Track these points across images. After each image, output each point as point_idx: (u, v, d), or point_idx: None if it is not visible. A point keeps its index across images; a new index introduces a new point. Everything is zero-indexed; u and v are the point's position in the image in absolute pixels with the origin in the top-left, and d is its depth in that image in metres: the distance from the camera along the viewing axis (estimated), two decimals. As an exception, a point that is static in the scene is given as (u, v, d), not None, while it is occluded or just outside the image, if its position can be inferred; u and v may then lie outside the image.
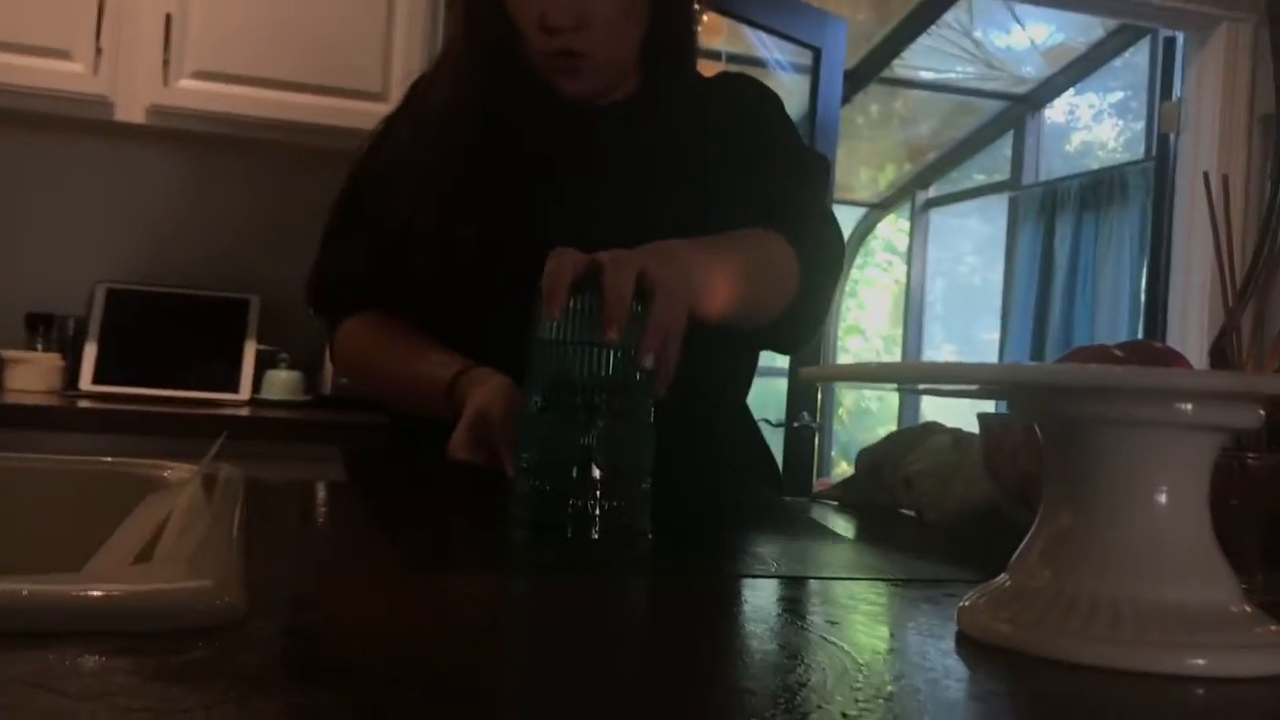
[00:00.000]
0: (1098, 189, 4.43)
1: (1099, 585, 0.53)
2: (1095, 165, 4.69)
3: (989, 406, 1.22)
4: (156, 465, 0.91)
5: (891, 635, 0.59)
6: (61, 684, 0.39)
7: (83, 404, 2.32)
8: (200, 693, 0.39)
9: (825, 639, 0.54)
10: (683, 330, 0.82)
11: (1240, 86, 3.40)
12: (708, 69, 1.34)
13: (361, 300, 1.27)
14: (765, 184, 1.18)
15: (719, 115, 1.24)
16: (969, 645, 0.54)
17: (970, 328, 5.63)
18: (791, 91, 3.31)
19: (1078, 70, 4.80)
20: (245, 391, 2.60)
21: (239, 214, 2.78)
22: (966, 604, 0.57)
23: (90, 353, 2.56)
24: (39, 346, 2.55)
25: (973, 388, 0.65)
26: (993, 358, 4.96)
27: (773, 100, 1.29)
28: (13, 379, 2.47)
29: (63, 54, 2.36)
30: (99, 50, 2.37)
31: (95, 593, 0.48)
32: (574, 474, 0.77)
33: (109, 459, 0.95)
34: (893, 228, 5.98)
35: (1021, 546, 0.57)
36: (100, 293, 2.62)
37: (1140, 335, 3.92)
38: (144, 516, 0.69)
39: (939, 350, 5.68)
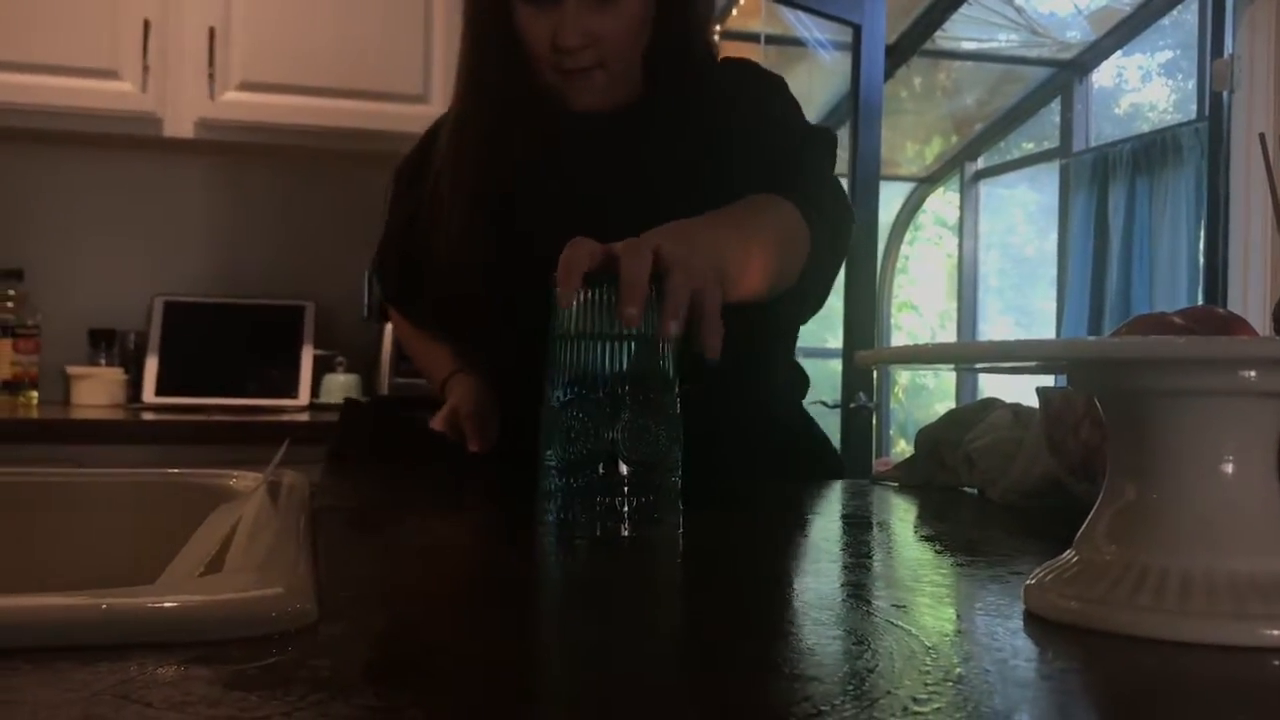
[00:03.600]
0: (1150, 152, 4.35)
1: (1167, 557, 0.52)
2: (1146, 128, 4.61)
3: (1048, 378, 1.21)
4: (222, 475, 0.93)
5: (958, 616, 0.58)
6: (145, 694, 0.40)
7: (146, 416, 2.37)
8: (278, 699, 0.40)
9: (891, 622, 0.54)
10: (717, 291, 0.79)
11: (1294, 39, 3.32)
12: (745, 51, 1.33)
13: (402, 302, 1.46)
14: (767, 154, 1.16)
15: (718, 106, 1.22)
16: (1037, 623, 0.54)
17: (1026, 298, 5.56)
18: (833, 70, 3.29)
19: (1124, 32, 4.71)
20: (304, 397, 2.64)
21: (289, 221, 2.82)
22: (1032, 581, 0.57)
23: (152, 365, 2.61)
24: (102, 361, 2.61)
25: (1030, 364, 0.64)
26: (1050, 327, 4.89)
27: (772, 81, 1.27)
28: (78, 394, 2.53)
29: (111, 74, 2.41)
30: (146, 68, 2.41)
31: (171, 604, 0.49)
32: (600, 470, 0.76)
33: (176, 470, 0.97)
34: (941, 201, 5.92)
35: (1087, 521, 0.57)
36: (158, 306, 2.67)
37: (1200, 300, 3.84)
38: (213, 527, 0.70)
39: (995, 323, 5.61)
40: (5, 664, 0.43)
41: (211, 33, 2.44)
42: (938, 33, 4.69)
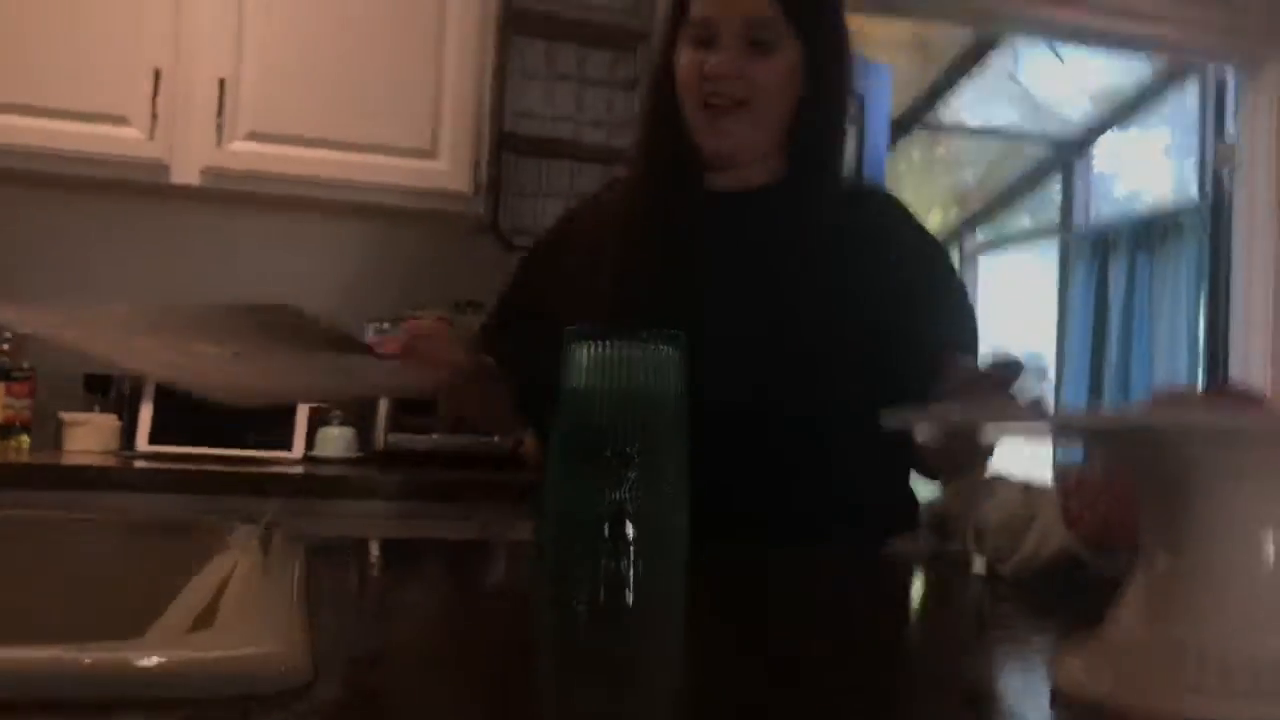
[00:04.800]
0: (1151, 229, 4.37)
1: (1206, 635, 0.50)
2: (1145, 207, 4.64)
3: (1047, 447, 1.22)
4: (216, 525, 0.90)
5: (983, 699, 0.56)
6: (127, 757, 0.38)
7: (139, 464, 2.34)
8: (270, 765, 0.38)
9: (913, 707, 0.51)
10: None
11: (1295, 123, 3.35)
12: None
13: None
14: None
15: (864, 229, 1.28)
16: (1068, 706, 0.51)
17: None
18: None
19: (1125, 112, 4.76)
20: (299, 449, 2.60)
21: (292, 272, 2.81)
22: (1062, 661, 0.54)
23: (146, 413, 2.58)
24: (96, 408, 2.58)
25: (1045, 432, 0.62)
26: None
27: (925, 233, 1.38)
28: (71, 440, 2.50)
29: (120, 120, 2.41)
30: (155, 116, 2.42)
31: (159, 660, 0.47)
32: (605, 532, 0.73)
33: (176, 517, 0.94)
34: (941, 274, 5.92)
35: (1118, 598, 0.54)
36: (156, 353, 2.64)
37: (1200, 376, 3.84)
38: (206, 579, 0.68)
39: (992, 396, 5.58)
40: (-19, 719, 0.41)
41: (221, 83, 2.45)
42: (940, 106, 4.73)
